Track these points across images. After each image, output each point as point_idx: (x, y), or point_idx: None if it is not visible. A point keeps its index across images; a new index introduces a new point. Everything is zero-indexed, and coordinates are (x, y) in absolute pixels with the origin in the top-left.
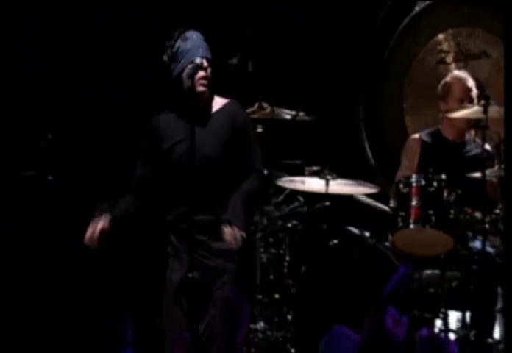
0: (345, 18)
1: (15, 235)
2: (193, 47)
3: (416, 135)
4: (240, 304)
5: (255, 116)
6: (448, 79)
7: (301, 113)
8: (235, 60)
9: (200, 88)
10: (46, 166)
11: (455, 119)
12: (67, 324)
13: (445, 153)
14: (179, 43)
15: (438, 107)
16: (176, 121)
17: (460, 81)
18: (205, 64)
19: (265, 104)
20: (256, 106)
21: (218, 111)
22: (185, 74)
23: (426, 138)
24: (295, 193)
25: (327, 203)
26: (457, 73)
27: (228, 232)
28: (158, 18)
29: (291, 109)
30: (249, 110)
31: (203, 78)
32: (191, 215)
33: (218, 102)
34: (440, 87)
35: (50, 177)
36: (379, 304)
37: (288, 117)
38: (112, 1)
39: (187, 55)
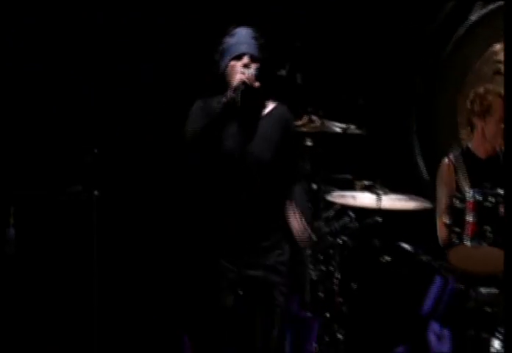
0: (398, 28)
1: (61, 252)
2: (237, 42)
3: (446, 160)
4: (305, 317)
5: (304, 129)
6: (488, 95)
7: (351, 126)
8: (283, 72)
9: (234, 82)
10: (92, 181)
11: (494, 138)
12: (126, 344)
13: (480, 172)
14: (226, 38)
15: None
16: (224, 115)
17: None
18: (246, 60)
19: (314, 117)
20: (305, 119)
21: (269, 113)
22: (227, 72)
23: (457, 160)
24: (345, 209)
25: (379, 218)
26: (495, 88)
27: (298, 226)
28: (205, 28)
29: (341, 122)
30: (297, 123)
31: (241, 73)
32: (239, 232)
33: (269, 105)
34: (475, 100)
35: (96, 192)
36: (420, 321)
37: (338, 130)
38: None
39: (230, 51)
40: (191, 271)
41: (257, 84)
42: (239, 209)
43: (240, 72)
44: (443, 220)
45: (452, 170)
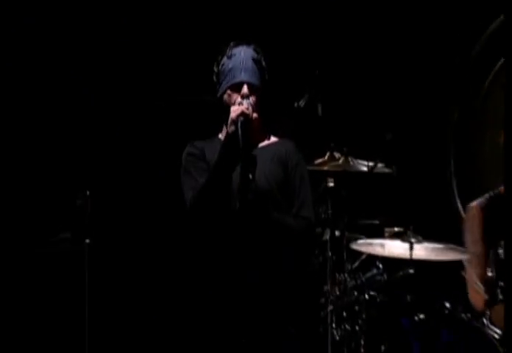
0: (432, 55)
1: (49, 310)
2: (235, 67)
3: (474, 203)
4: None
5: (326, 168)
6: None
7: (379, 164)
8: (302, 103)
9: (232, 115)
10: (84, 227)
11: None
12: None
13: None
14: (224, 60)
15: None
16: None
17: None
18: (244, 90)
19: (337, 154)
20: (327, 156)
21: (267, 145)
22: (224, 99)
23: (486, 205)
24: (373, 259)
25: (411, 270)
26: None
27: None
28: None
29: (368, 159)
30: (318, 161)
31: (239, 103)
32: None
33: (271, 138)
34: None
35: (87, 240)
36: None
37: (364, 169)
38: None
39: (227, 77)
40: (187, 326)
41: (254, 115)
42: (243, 257)
43: (238, 103)
44: (481, 272)
45: (481, 217)
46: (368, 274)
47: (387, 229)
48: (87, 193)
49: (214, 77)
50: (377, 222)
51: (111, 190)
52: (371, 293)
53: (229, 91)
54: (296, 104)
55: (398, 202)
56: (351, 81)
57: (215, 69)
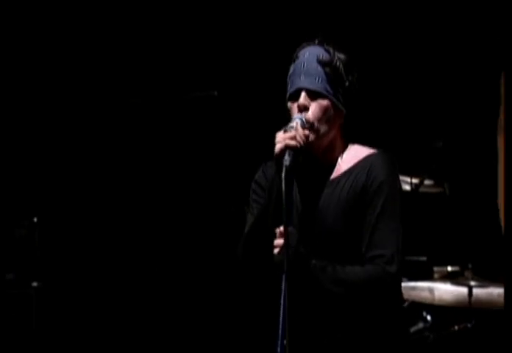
0: (488, 51)
1: None
2: (294, 73)
3: None
4: None
5: None
6: None
7: (426, 181)
8: None
9: (275, 149)
10: (30, 267)
11: None
12: None
13: None
14: (291, 65)
15: None
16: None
17: None
18: (302, 100)
19: None
20: None
21: (343, 174)
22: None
23: None
24: (419, 308)
25: (470, 324)
26: None
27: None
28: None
29: (412, 174)
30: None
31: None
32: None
33: (355, 155)
34: None
35: (35, 283)
36: None
37: (407, 187)
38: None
39: (288, 85)
40: None
41: (312, 137)
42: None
43: (284, 129)
44: None
45: None
46: (413, 328)
47: (437, 269)
48: (34, 219)
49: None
50: (423, 259)
51: (64, 216)
52: None
53: (289, 103)
54: None
55: (452, 232)
56: (388, 71)
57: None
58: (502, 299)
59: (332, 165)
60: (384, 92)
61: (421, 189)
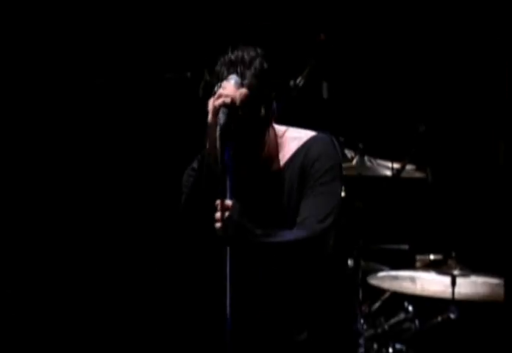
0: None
1: None
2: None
3: None
4: None
5: None
6: None
7: (408, 166)
8: (300, 81)
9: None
10: None
11: None
12: None
13: None
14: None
15: None
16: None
17: None
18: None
19: (349, 152)
20: None
21: (287, 162)
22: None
23: None
24: (400, 298)
25: (453, 314)
26: None
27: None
28: None
29: (393, 159)
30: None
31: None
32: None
33: (290, 145)
34: None
35: None
36: None
37: (388, 172)
38: None
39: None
40: None
41: (243, 91)
42: (256, 297)
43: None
44: None
45: None
46: (393, 320)
47: (419, 257)
48: None
49: None
50: (405, 247)
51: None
52: (398, 346)
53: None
54: (291, 83)
55: (434, 219)
56: (368, 50)
57: None
58: (485, 289)
59: (271, 157)
60: (365, 76)
61: (403, 174)
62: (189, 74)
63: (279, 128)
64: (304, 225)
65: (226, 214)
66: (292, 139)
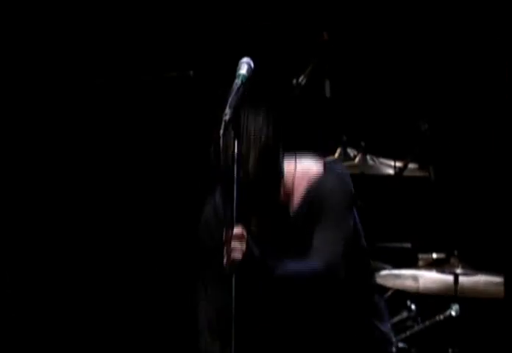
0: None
1: None
2: None
3: None
4: None
5: None
6: None
7: (411, 165)
8: (302, 79)
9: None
10: None
11: None
12: None
13: None
14: None
15: None
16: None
17: None
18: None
19: (352, 151)
20: (337, 153)
21: (300, 203)
22: None
23: None
24: (403, 296)
25: (455, 312)
26: None
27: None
28: None
29: (395, 158)
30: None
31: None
32: None
33: (302, 183)
34: None
35: None
36: None
37: (390, 171)
38: None
39: None
40: None
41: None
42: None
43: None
44: None
45: None
46: (397, 318)
47: (422, 256)
48: None
49: None
50: (408, 246)
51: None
52: (400, 345)
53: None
54: (294, 81)
55: (437, 218)
56: (370, 49)
57: None
58: (488, 288)
59: (287, 200)
60: (368, 74)
61: (406, 173)
62: (192, 73)
63: (288, 168)
64: (317, 257)
65: (237, 244)
66: (301, 178)
